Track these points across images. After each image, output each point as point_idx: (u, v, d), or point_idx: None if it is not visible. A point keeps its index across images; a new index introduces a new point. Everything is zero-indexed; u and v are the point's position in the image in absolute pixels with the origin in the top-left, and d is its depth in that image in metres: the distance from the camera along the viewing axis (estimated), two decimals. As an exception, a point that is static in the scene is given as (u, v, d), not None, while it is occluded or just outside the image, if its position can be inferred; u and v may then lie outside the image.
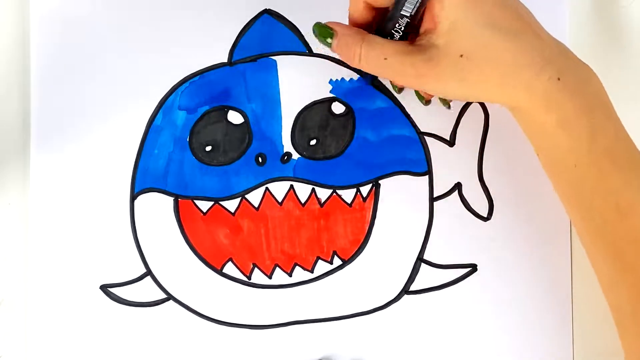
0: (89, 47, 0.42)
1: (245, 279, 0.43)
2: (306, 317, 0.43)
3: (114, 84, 0.42)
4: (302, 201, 0.43)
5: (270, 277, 0.43)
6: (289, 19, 0.43)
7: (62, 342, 0.42)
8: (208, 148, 0.43)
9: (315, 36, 0.38)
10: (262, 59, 0.43)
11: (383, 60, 0.37)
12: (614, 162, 0.36)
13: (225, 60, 0.43)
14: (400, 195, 0.43)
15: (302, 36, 0.43)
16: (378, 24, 0.39)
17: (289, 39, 0.43)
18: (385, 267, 0.43)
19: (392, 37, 0.37)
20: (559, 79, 0.35)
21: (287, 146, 0.43)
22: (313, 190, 0.43)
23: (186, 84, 0.43)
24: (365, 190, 0.43)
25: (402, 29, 0.37)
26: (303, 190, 0.43)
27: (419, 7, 0.36)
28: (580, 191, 0.36)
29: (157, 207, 0.42)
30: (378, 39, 0.37)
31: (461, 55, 0.35)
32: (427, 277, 0.43)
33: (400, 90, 0.43)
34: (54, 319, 0.42)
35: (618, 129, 0.37)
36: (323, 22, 0.38)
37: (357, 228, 0.43)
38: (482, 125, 0.44)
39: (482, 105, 0.44)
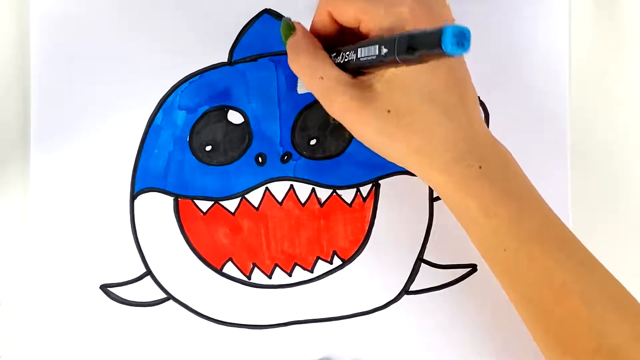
0: (89, 47, 0.42)
1: (245, 278, 0.43)
2: (306, 317, 0.43)
3: (114, 84, 0.42)
4: (302, 201, 0.43)
5: (270, 277, 0.43)
6: (289, 19, 0.43)
7: (62, 342, 0.42)
8: (208, 148, 0.43)
9: (280, 30, 0.38)
10: (263, 59, 0.43)
11: (318, 78, 0.36)
12: (542, 244, 0.35)
13: (225, 60, 0.43)
14: (400, 195, 0.43)
15: (302, 36, 0.43)
16: (336, 42, 0.38)
17: (289, 39, 0.43)
18: (385, 267, 0.43)
19: (336, 56, 0.36)
20: (480, 167, 0.35)
21: (287, 146, 0.43)
22: (313, 190, 0.43)
23: (186, 84, 0.43)
24: (365, 190, 0.43)
25: (346, 60, 0.36)
26: (303, 190, 0.43)
27: (374, 62, 0.33)
28: (514, 274, 0.36)
29: (157, 206, 0.42)
30: (325, 56, 0.36)
31: (389, 111, 0.35)
32: (427, 277, 0.43)
33: None
34: (54, 319, 0.42)
35: (544, 212, 0.36)
36: (291, 20, 0.38)
37: (357, 228, 0.43)
38: (482, 125, 0.44)
39: (482, 104, 0.44)
